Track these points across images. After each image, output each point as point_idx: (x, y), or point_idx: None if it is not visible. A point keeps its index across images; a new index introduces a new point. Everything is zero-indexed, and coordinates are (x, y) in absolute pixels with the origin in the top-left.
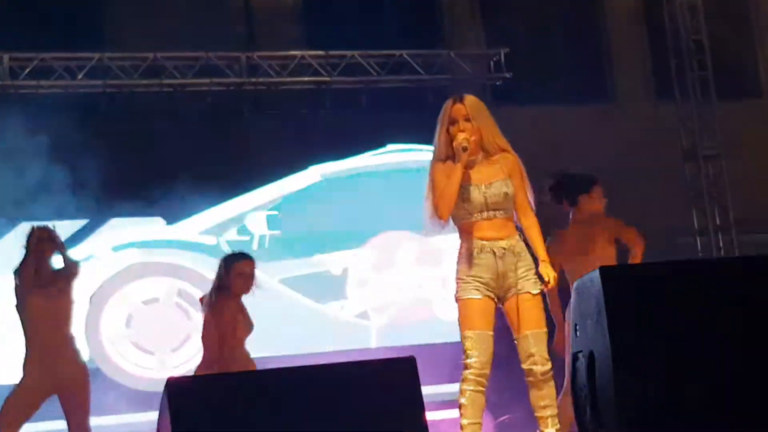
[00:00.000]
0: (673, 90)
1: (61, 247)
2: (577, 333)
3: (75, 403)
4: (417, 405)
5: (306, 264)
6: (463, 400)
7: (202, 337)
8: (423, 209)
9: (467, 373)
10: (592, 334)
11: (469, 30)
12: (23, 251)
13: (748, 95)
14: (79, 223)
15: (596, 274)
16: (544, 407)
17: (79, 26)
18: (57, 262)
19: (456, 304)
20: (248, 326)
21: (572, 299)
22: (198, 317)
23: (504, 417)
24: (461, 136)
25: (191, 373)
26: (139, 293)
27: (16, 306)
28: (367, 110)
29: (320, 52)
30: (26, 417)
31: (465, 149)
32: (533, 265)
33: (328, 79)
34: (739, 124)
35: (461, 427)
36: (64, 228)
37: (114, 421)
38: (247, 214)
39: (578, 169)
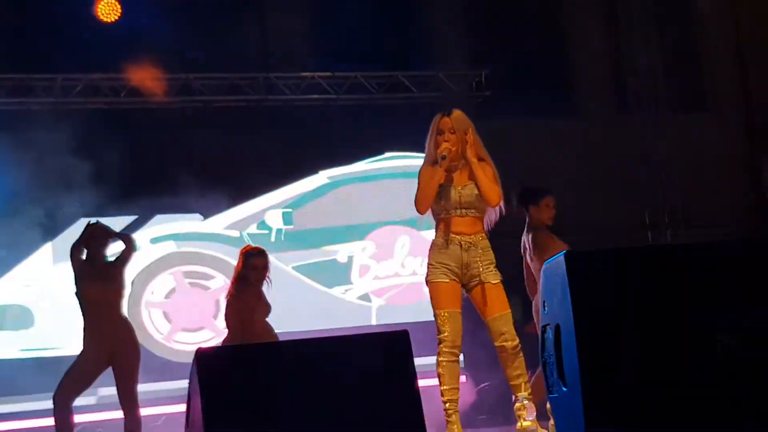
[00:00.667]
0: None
1: (113, 235)
2: (546, 309)
3: (125, 375)
4: (410, 372)
5: (316, 254)
6: (440, 370)
7: (226, 319)
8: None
9: (442, 346)
10: (557, 310)
11: (456, 52)
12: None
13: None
14: (129, 219)
15: (561, 257)
16: (517, 376)
17: (123, 51)
18: (112, 252)
19: (427, 287)
20: (266, 309)
21: (541, 280)
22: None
23: (483, 384)
24: (444, 146)
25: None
26: (177, 275)
27: (75, 293)
28: (368, 123)
29: (328, 74)
30: (84, 386)
31: (444, 157)
32: (494, 260)
33: (334, 96)
34: (689, 135)
35: (441, 393)
36: (117, 222)
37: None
38: (265, 212)
39: (548, 174)
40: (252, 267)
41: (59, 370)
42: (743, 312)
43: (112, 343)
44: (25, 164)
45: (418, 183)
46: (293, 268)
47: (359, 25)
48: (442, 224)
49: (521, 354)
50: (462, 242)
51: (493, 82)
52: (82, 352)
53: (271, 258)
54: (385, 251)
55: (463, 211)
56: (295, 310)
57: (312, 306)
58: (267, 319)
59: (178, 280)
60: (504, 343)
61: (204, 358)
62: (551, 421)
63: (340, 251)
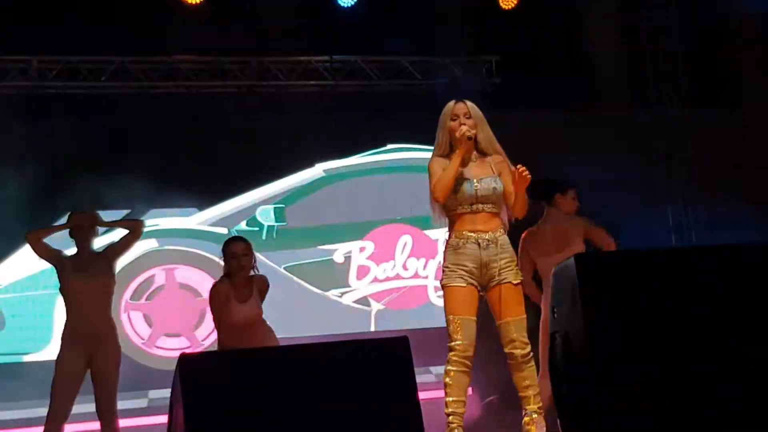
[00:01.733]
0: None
1: (108, 224)
2: (555, 315)
3: (104, 380)
4: (410, 382)
5: (310, 253)
6: (448, 380)
7: (212, 320)
8: (429, 204)
9: (452, 355)
10: (567, 317)
11: (463, 38)
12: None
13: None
14: (122, 213)
15: (571, 261)
16: (527, 387)
17: (102, 31)
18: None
19: (442, 291)
20: (248, 310)
21: (550, 285)
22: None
23: (490, 398)
24: (465, 127)
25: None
26: (170, 274)
27: (59, 289)
28: (368, 112)
29: (325, 58)
30: (74, 389)
31: (470, 138)
32: (515, 258)
33: (332, 82)
34: (713, 131)
35: (446, 404)
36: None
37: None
38: (256, 207)
39: (563, 171)
40: (231, 255)
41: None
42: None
43: (91, 343)
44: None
45: (431, 174)
46: (285, 268)
47: (359, 6)
48: (457, 221)
49: (532, 363)
50: (480, 240)
51: (503, 69)
52: (58, 354)
53: (262, 258)
54: (386, 251)
55: (480, 206)
56: (287, 314)
57: (306, 310)
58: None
59: (169, 279)
60: (513, 351)
61: (187, 364)
62: None
63: (337, 251)
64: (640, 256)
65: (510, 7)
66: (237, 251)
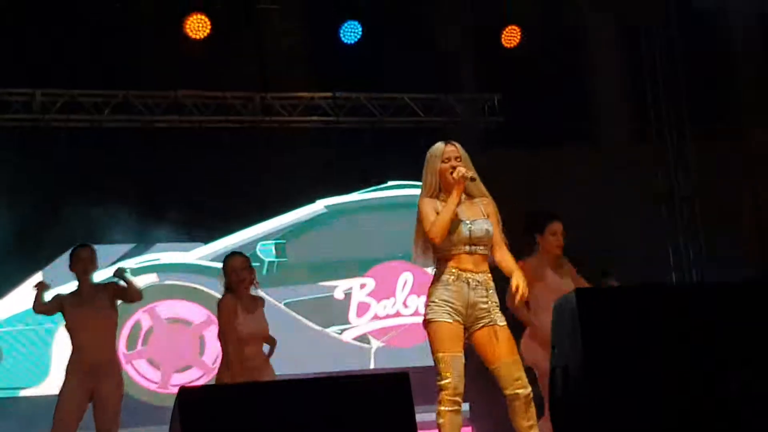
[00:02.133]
0: (649, 133)
1: (121, 277)
2: (555, 350)
3: (104, 411)
4: (410, 418)
5: (310, 290)
6: (441, 420)
7: (218, 334)
8: (413, 242)
9: (444, 395)
10: (567, 351)
11: (465, 76)
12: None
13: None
14: (124, 248)
15: (572, 295)
16: (529, 427)
17: (106, 65)
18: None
19: (425, 328)
20: (255, 324)
21: (552, 320)
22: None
23: None
24: (463, 169)
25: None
26: (153, 313)
27: (65, 326)
28: (369, 148)
29: (328, 94)
30: (76, 419)
31: (473, 179)
32: (498, 303)
33: (334, 119)
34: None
35: None
36: (110, 250)
37: None
38: (257, 243)
39: (561, 206)
40: (230, 270)
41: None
42: (756, 355)
43: (95, 375)
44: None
45: (423, 216)
46: (285, 304)
47: (362, 43)
48: (447, 260)
49: (532, 403)
50: (469, 280)
51: (506, 107)
52: (63, 384)
53: (262, 294)
54: (386, 289)
55: (473, 248)
56: (287, 351)
57: (305, 347)
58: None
59: (154, 318)
60: (518, 391)
61: (186, 397)
62: None
63: (337, 287)
64: (639, 292)
65: (512, 45)
66: (236, 266)
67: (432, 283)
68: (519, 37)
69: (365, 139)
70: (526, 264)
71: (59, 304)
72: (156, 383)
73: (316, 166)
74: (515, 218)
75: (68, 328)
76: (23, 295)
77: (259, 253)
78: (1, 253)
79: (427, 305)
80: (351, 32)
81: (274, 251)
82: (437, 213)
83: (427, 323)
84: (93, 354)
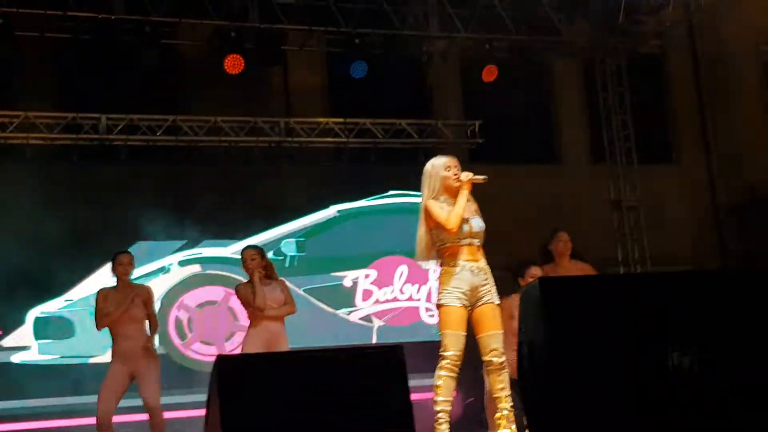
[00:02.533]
0: (605, 154)
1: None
2: (522, 328)
3: (147, 385)
4: (403, 383)
5: (325, 278)
6: (439, 382)
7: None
8: (417, 240)
9: (445, 363)
10: (533, 329)
11: (452, 104)
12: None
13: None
14: (177, 243)
15: (537, 283)
16: (501, 389)
17: (159, 95)
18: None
19: (438, 310)
20: (275, 289)
21: (520, 302)
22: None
23: (469, 399)
24: (470, 174)
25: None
26: (197, 297)
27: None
28: (374, 164)
29: (340, 120)
30: (117, 395)
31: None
32: (494, 282)
33: (345, 140)
34: (655, 182)
35: (435, 402)
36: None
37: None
38: (281, 240)
39: (531, 215)
40: (243, 260)
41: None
42: (700, 336)
43: (133, 361)
44: (79, 197)
45: (434, 212)
46: (304, 290)
47: (368, 79)
48: (452, 252)
49: (506, 370)
50: (472, 269)
51: (485, 129)
52: (109, 365)
53: (286, 282)
54: (386, 278)
55: (473, 240)
56: (305, 328)
57: (320, 325)
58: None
59: (187, 310)
60: (492, 358)
61: (224, 365)
62: None
63: (346, 277)
64: (594, 280)
65: (491, 80)
66: (245, 257)
67: (441, 274)
68: (496, 73)
69: (370, 157)
70: (545, 269)
71: (105, 298)
72: (182, 342)
73: (330, 179)
74: (496, 221)
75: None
76: (90, 283)
77: (282, 248)
78: (75, 248)
79: (440, 291)
80: (359, 69)
81: (295, 247)
82: (443, 209)
83: (439, 306)
84: (130, 342)
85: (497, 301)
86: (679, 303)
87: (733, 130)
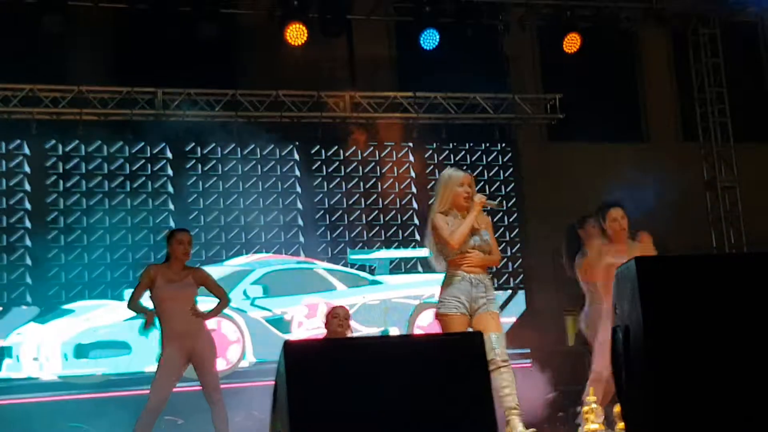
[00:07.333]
0: (697, 132)
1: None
2: (616, 312)
3: (204, 368)
4: (484, 369)
5: None
6: None
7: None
8: (427, 247)
9: None
10: (627, 312)
11: (530, 76)
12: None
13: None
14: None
15: (632, 262)
16: (505, 387)
17: (218, 68)
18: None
19: (437, 320)
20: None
21: (613, 285)
22: None
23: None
24: (484, 197)
25: None
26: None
27: (150, 297)
28: (445, 141)
29: (409, 93)
30: (172, 382)
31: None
32: (495, 295)
33: (415, 115)
34: (753, 162)
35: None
36: None
37: None
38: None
39: (615, 196)
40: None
41: None
42: None
43: (187, 340)
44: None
45: (439, 227)
46: None
47: (439, 49)
48: (456, 263)
49: (510, 368)
50: (472, 279)
51: (565, 105)
52: (161, 353)
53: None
54: None
55: (478, 252)
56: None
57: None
58: None
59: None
60: (495, 357)
61: (292, 350)
62: (619, 425)
63: None
64: (694, 259)
65: (573, 51)
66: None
67: (444, 282)
68: (579, 43)
69: (441, 133)
70: (603, 249)
71: (152, 282)
72: None
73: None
74: (574, 203)
75: (156, 298)
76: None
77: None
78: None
79: (439, 300)
80: (430, 39)
81: None
82: (447, 224)
83: (439, 316)
84: (183, 323)
85: (496, 311)
86: None
87: None
